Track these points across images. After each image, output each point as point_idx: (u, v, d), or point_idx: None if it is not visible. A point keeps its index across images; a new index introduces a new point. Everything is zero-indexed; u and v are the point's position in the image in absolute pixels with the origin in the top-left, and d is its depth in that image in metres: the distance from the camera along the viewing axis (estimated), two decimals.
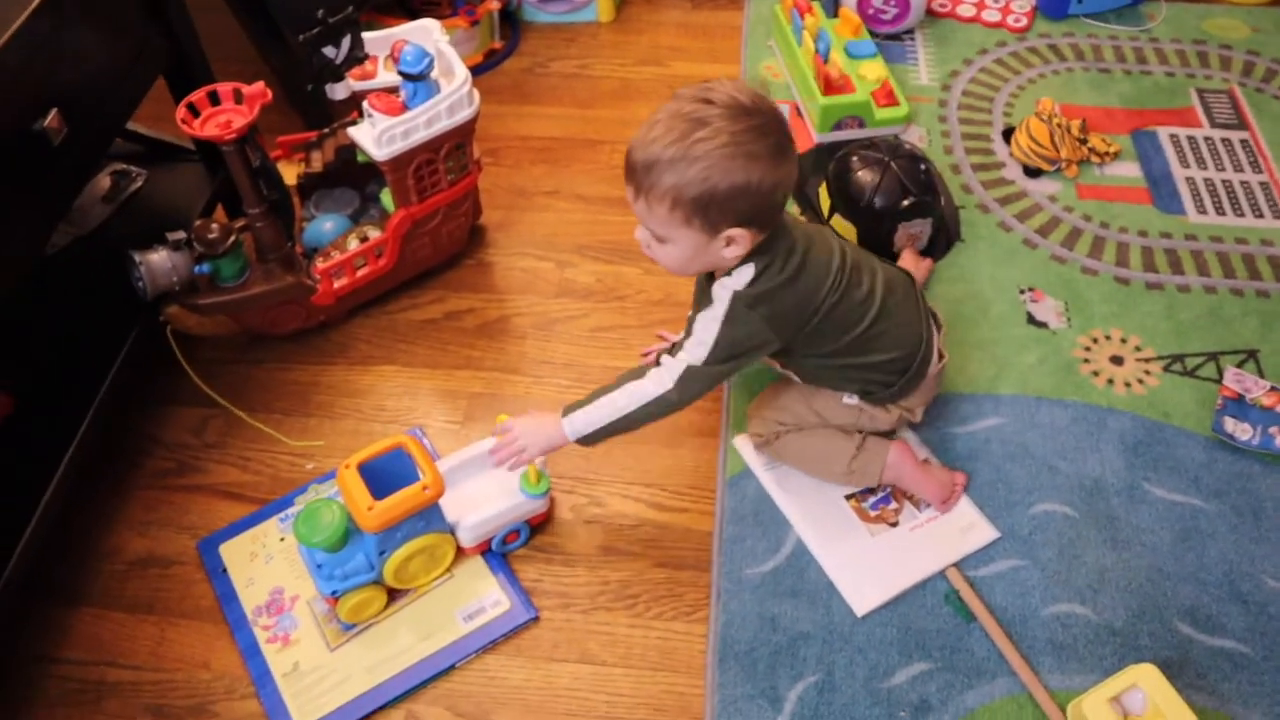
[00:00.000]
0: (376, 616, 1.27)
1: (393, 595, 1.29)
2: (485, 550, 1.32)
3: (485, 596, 1.30)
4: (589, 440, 1.25)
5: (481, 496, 1.31)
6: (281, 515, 1.38)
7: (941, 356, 1.37)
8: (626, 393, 1.23)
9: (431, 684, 1.23)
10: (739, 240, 1.13)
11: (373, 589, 1.24)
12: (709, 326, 1.20)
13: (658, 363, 1.24)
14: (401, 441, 1.23)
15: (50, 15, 1.18)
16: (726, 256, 1.16)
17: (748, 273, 1.18)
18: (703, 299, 1.23)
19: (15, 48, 1.11)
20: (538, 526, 1.35)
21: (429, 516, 1.23)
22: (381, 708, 1.21)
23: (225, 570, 1.33)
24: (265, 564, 1.33)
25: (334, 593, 1.22)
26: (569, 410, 1.25)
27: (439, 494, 1.20)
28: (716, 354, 1.20)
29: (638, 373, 1.25)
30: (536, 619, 1.28)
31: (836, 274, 1.23)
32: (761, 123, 1.09)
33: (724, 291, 1.19)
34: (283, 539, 1.36)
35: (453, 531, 1.28)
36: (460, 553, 1.31)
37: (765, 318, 1.20)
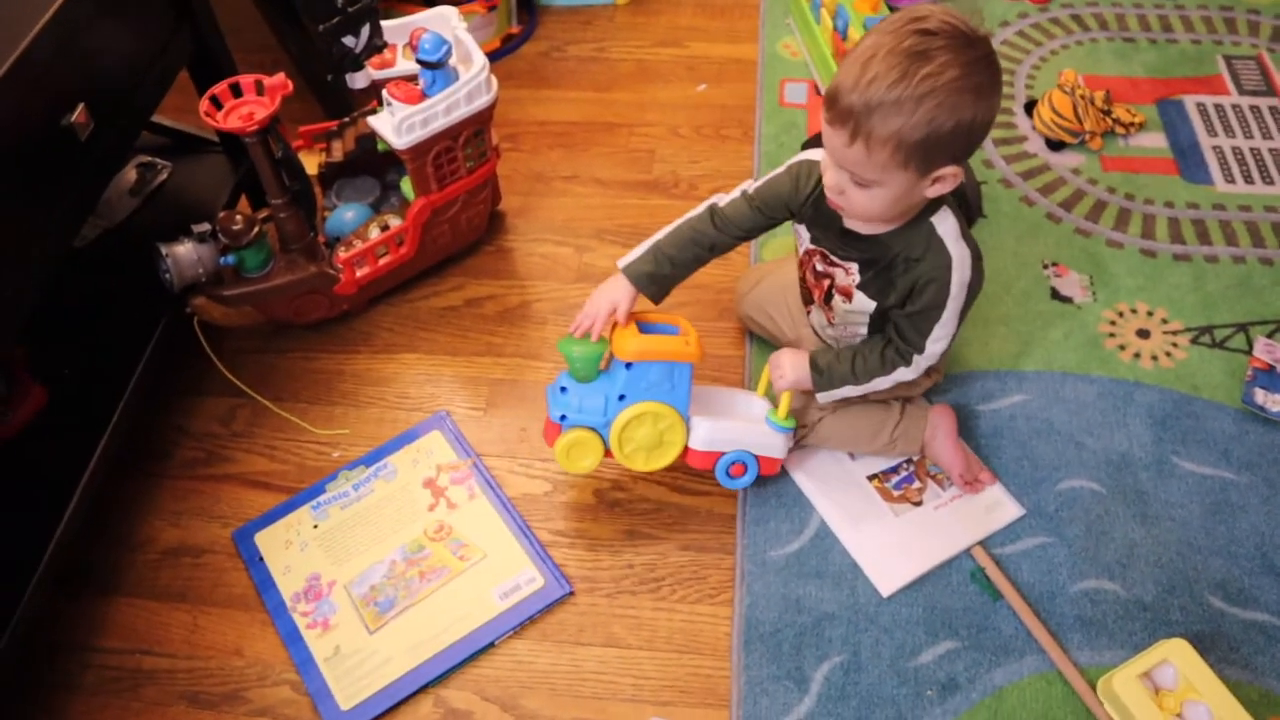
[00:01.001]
0: (587, 470, 1.29)
1: (606, 456, 1.28)
2: (709, 467, 1.29)
3: (520, 574, 1.31)
4: (830, 392, 1.29)
5: (726, 416, 1.31)
6: (314, 503, 1.40)
7: None
8: (882, 381, 1.26)
9: (460, 668, 1.24)
10: (947, 178, 1.08)
11: (595, 437, 1.26)
12: (959, 299, 1.17)
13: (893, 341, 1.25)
14: (679, 320, 1.27)
15: (77, 10, 1.18)
16: (929, 196, 1.11)
17: (951, 220, 1.16)
18: (908, 268, 1.18)
19: (43, 44, 1.12)
20: (768, 474, 1.32)
21: (676, 383, 1.24)
22: (425, 686, 1.23)
23: (262, 559, 1.35)
24: (300, 551, 1.35)
25: (562, 418, 1.25)
26: (829, 381, 1.27)
27: (696, 356, 1.22)
28: (947, 340, 1.22)
29: (892, 360, 1.25)
30: (572, 594, 1.29)
31: None
32: (985, 51, 1.03)
33: (959, 249, 1.15)
34: (316, 526, 1.38)
35: (689, 425, 1.27)
36: (686, 455, 1.28)
37: (982, 273, 1.20)
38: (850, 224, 1.20)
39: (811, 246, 1.27)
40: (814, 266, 1.29)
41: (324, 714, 1.20)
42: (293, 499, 1.41)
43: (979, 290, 1.20)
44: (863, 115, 1.01)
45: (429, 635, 1.26)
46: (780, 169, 1.26)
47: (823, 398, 1.30)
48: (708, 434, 1.27)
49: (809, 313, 1.40)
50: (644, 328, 1.25)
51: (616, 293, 1.24)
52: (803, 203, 1.24)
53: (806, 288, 1.36)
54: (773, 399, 1.32)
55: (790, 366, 1.29)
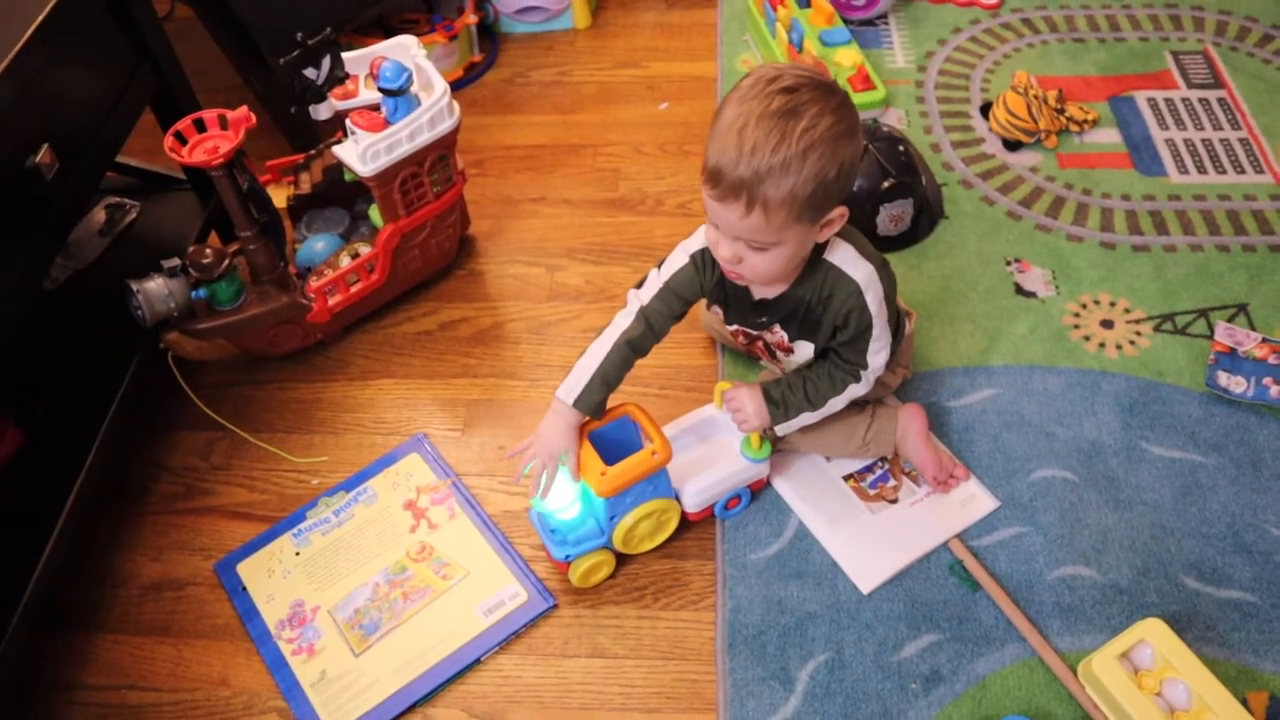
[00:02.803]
0: (601, 581, 1.31)
1: (620, 560, 1.32)
2: (708, 515, 1.34)
3: (503, 590, 1.31)
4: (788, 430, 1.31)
5: (705, 463, 1.31)
6: (295, 531, 1.40)
7: (909, 313, 1.41)
8: (834, 404, 1.28)
9: (446, 686, 1.24)
10: (835, 220, 1.10)
11: (603, 553, 1.28)
12: (882, 315, 1.21)
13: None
14: (628, 409, 1.26)
15: (38, 52, 1.20)
16: (819, 240, 1.13)
17: (844, 245, 1.18)
18: (826, 308, 1.21)
19: (5, 86, 1.14)
20: (758, 492, 1.37)
21: (657, 482, 1.25)
22: (412, 706, 1.23)
23: (245, 588, 1.35)
24: (283, 579, 1.35)
25: (566, 558, 1.25)
26: (783, 413, 1.28)
27: (667, 459, 1.22)
28: (885, 350, 1.25)
29: (840, 381, 1.27)
30: (556, 606, 1.30)
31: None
32: (842, 94, 1.06)
33: (861, 270, 1.18)
34: (298, 553, 1.38)
35: (678, 497, 1.30)
36: (685, 517, 1.33)
37: (891, 276, 1.24)
38: (758, 292, 1.23)
39: (734, 327, 1.33)
40: (743, 338, 1.36)
41: None
42: (274, 527, 1.41)
43: (894, 291, 1.25)
44: (754, 185, 1.02)
45: (415, 655, 1.26)
46: (680, 258, 1.24)
47: (782, 429, 1.31)
48: (698, 498, 1.30)
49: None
50: (598, 438, 1.24)
51: (564, 437, 1.22)
52: (712, 287, 1.25)
53: (748, 352, 1.42)
54: (747, 441, 1.32)
55: (753, 408, 1.29)
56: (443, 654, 1.26)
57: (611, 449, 1.23)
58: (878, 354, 1.25)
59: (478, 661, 1.26)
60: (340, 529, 1.40)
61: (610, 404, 1.25)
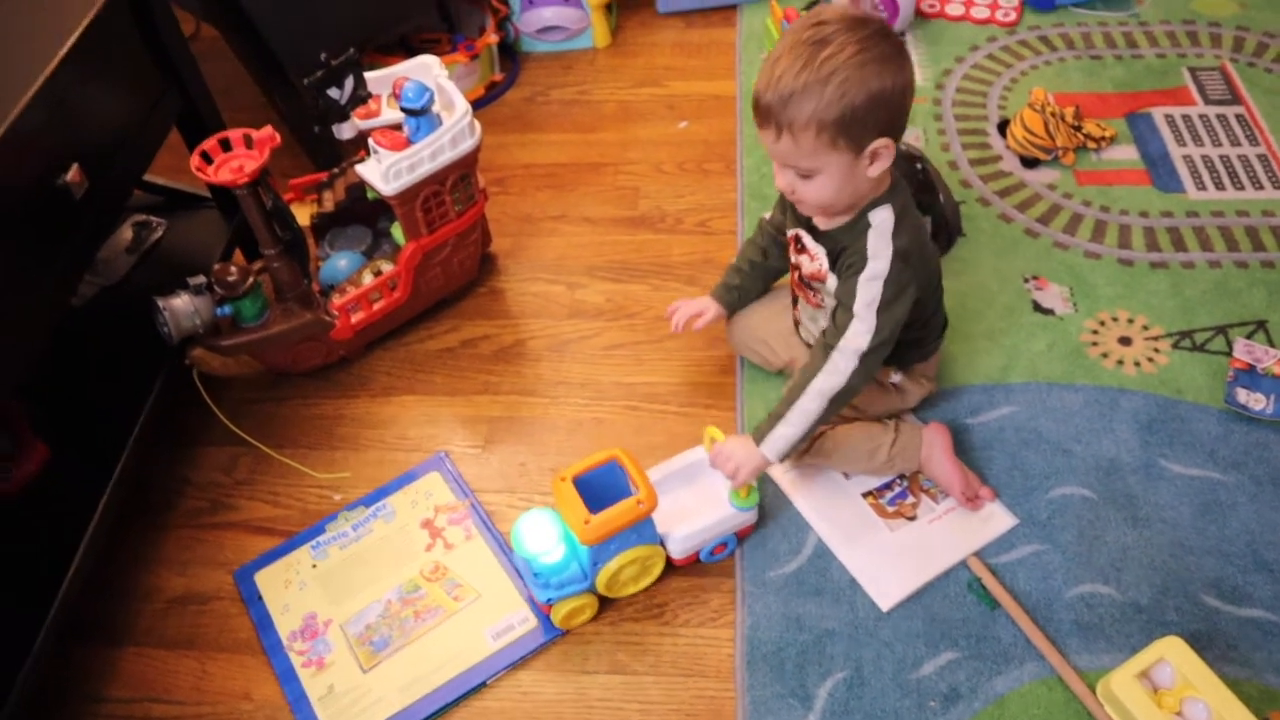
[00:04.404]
0: (586, 622, 1.31)
1: (604, 603, 1.31)
2: (693, 561, 1.34)
3: (513, 614, 1.32)
4: (789, 455, 1.28)
5: (690, 508, 1.30)
6: (314, 543, 1.42)
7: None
8: (813, 395, 1.24)
9: (464, 701, 1.25)
10: (883, 154, 1.14)
11: (586, 597, 1.27)
12: (871, 290, 1.20)
13: (825, 347, 1.25)
14: (615, 455, 1.26)
15: (69, 73, 1.23)
16: (873, 175, 1.16)
17: (889, 218, 1.20)
18: (848, 258, 1.23)
19: (37, 106, 1.17)
20: (745, 537, 1.36)
21: (641, 529, 1.25)
22: None
23: (261, 598, 1.37)
24: (299, 590, 1.37)
25: (549, 600, 1.25)
26: (762, 436, 1.26)
27: (652, 508, 1.21)
28: (883, 326, 1.21)
29: (811, 369, 1.25)
30: (564, 634, 1.30)
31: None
32: (879, 27, 1.10)
33: (880, 244, 1.20)
34: (315, 565, 1.39)
35: (663, 543, 1.29)
36: (670, 563, 1.33)
37: (914, 268, 1.22)
38: (817, 222, 1.27)
39: (791, 232, 1.34)
40: (795, 249, 1.35)
41: None
42: (293, 539, 1.43)
43: (905, 285, 1.22)
44: (779, 109, 1.10)
45: (421, 675, 1.27)
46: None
47: (775, 451, 1.26)
48: (683, 545, 1.29)
49: (798, 325, 1.44)
50: (584, 483, 1.24)
51: (701, 303, 1.49)
52: (789, 206, 1.30)
53: (794, 285, 1.41)
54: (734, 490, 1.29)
55: (743, 453, 1.27)
56: (449, 675, 1.27)
57: (598, 494, 1.23)
58: (858, 335, 1.21)
59: (483, 684, 1.26)
60: (358, 544, 1.41)
61: (599, 451, 1.26)
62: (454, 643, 1.30)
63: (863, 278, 1.21)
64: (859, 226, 1.22)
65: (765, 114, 1.12)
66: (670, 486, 1.33)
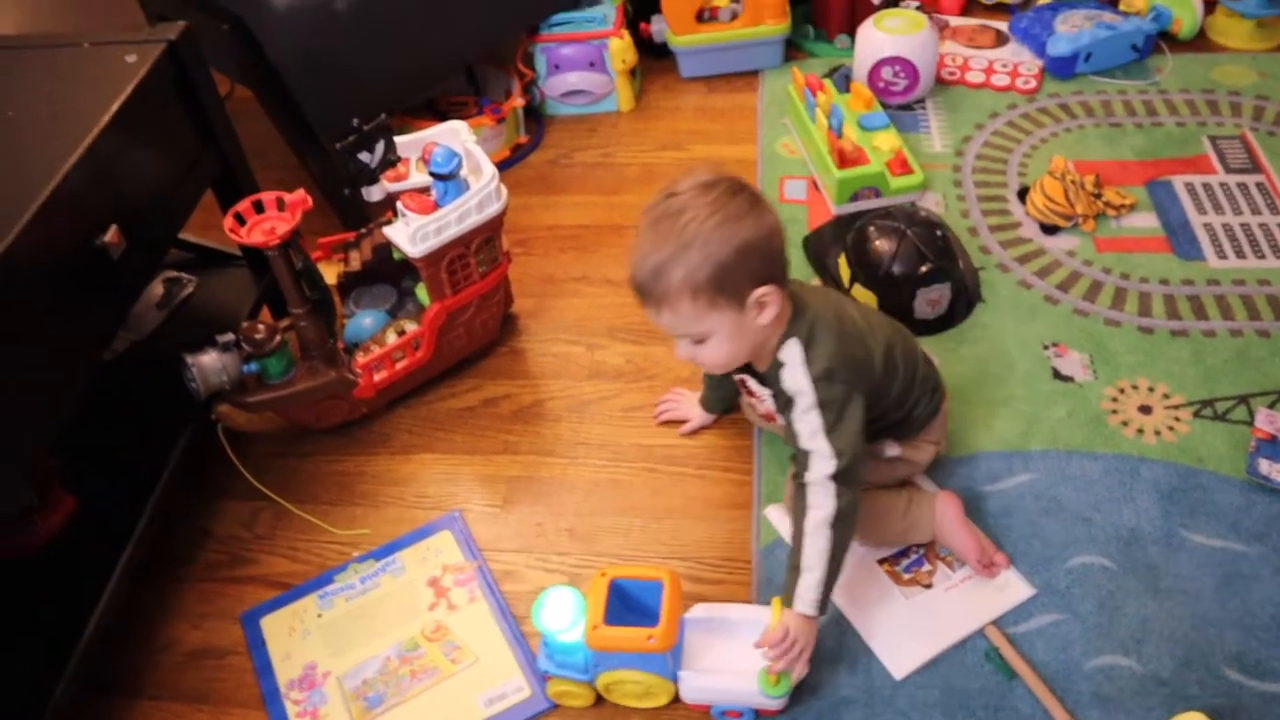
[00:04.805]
0: (582, 708, 1.28)
1: (600, 699, 1.28)
2: (704, 712, 1.26)
3: (508, 683, 1.31)
4: (828, 601, 1.22)
5: (724, 660, 1.24)
6: (321, 593, 1.43)
7: (944, 394, 1.43)
8: (813, 532, 1.20)
9: None
10: (769, 299, 1.16)
11: (582, 688, 1.25)
12: (810, 421, 1.20)
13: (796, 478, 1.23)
14: (663, 577, 1.21)
15: (112, 138, 1.27)
16: (764, 324, 1.18)
17: (796, 350, 1.21)
18: (780, 400, 1.24)
19: (80, 170, 1.20)
20: (765, 718, 1.25)
21: (649, 659, 1.20)
22: None
23: (264, 643, 1.38)
24: (303, 639, 1.38)
25: (545, 672, 1.25)
26: (790, 596, 1.20)
27: (664, 649, 1.17)
28: (841, 448, 1.20)
29: (799, 511, 1.21)
30: (555, 708, 1.28)
31: (866, 319, 1.29)
32: (728, 185, 1.14)
33: (797, 378, 1.21)
34: (320, 615, 1.40)
35: (675, 678, 1.23)
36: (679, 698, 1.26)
37: (845, 381, 1.22)
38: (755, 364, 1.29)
39: (738, 376, 1.36)
40: (745, 391, 1.40)
41: None
42: (302, 586, 1.44)
43: (845, 400, 1.22)
44: (652, 283, 1.14)
45: None
46: None
47: (809, 603, 1.20)
48: (693, 693, 1.24)
49: None
50: (623, 589, 1.23)
51: (688, 408, 1.59)
52: None
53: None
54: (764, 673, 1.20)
55: (797, 627, 1.19)
56: None
57: (636, 600, 1.23)
58: (821, 461, 1.20)
59: None
60: (364, 596, 1.42)
61: (652, 569, 1.23)
62: (447, 706, 1.29)
63: (796, 414, 1.22)
64: (775, 368, 1.24)
65: (642, 292, 1.16)
66: (717, 630, 1.27)
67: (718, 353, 1.20)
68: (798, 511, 1.22)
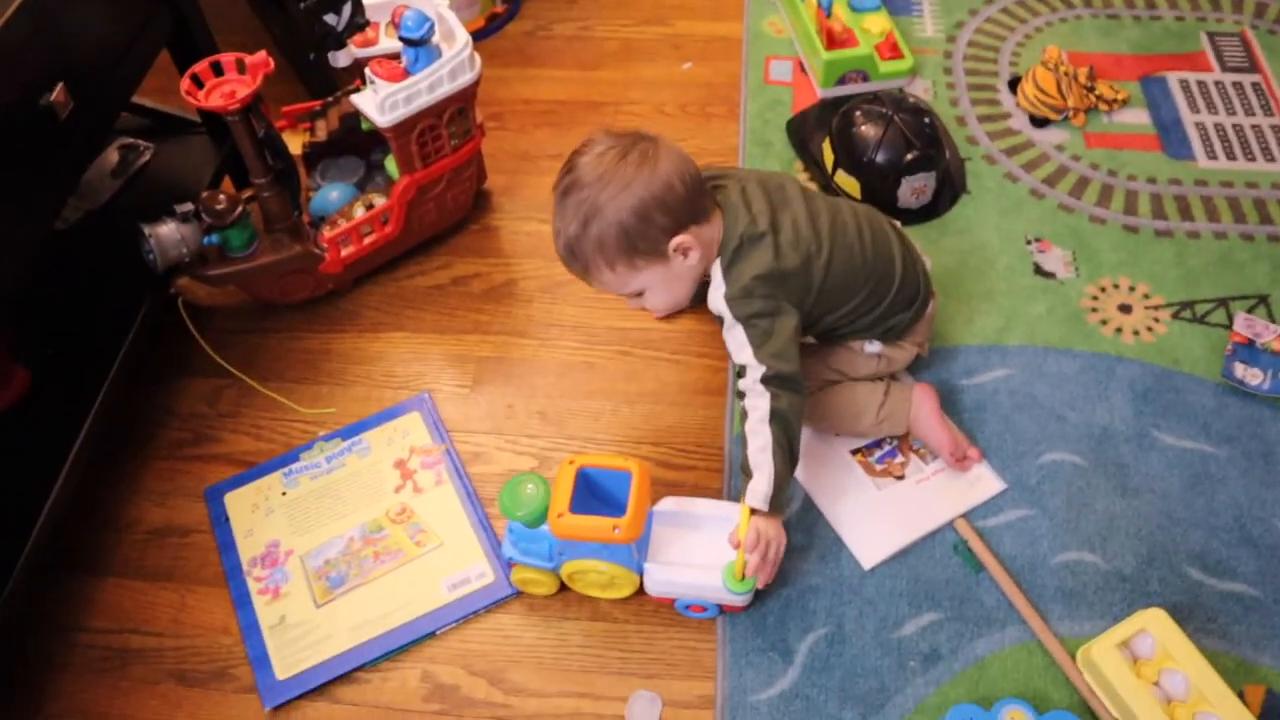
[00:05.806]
0: (546, 596, 1.28)
1: (564, 587, 1.27)
2: (668, 604, 1.26)
3: (471, 568, 1.31)
4: (782, 498, 1.20)
5: (690, 554, 1.22)
6: (286, 470, 1.41)
7: (933, 294, 1.39)
8: (755, 436, 1.19)
9: (414, 647, 1.25)
10: (688, 244, 1.19)
11: (546, 575, 1.25)
12: (736, 336, 1.21)
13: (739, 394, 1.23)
14: (632, 468, 1.18)
15: None
16: (694, 264, 1.22)
17: (717, 272, 1.22)
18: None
19: (21, 21, 1.12)
20: (729, 612, 1.26)
21: (614, 550, 1.19)
22: (360, 667, 1.23)
23: (228, 519, 1.37)
24: (265, 516, 1.37)
25: (509, 559, 1.24)
26: (741, 494, 1.19)
27: (629, 540, 1.15)
28: (766, 347, 1.19)
29: (742, 415, 1.22)
30: (518, 595, 1.28)
31: (815, 227, 1.25)
32: (617, 148, 1.17)
33: (718, 300, 1.22)
34: (284, 493, 1.39)
35: (640, 570, 1.22)
36: (643, 589, 1.25)
37: (767, 296, 1.21)
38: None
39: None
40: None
41: (260, 680, 1.22)
42: (266, 463, 1.42)
43: (768, 313, 1.20)
44: (572, 260, 1.21)
45: (372, 617, 1.27)
46: None
47: (760, 497, 1.18)
48: (656, 585, 1.23)
49: None
50: (591, 478, 1.21)
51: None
52: None
53: None
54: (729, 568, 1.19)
55: (774, 530, 1.19)
56: (399, 621, 1.26)
57: (605, 490, 1.20)
58: (752, 369, 1.19)
59: (431, 635, 1.26)
60: (329, 476, 1.40)
61: (620, 459, 1.20)
62: (409, 589, 1.29)
63: (724, 330, 1.24)
64: (703, 288, 1.27)
65: (568, 265, 1.23)
66: (685, 524, 1.25)
67: (660, 301, 1.27)
68: (740, 418, 1.23)
